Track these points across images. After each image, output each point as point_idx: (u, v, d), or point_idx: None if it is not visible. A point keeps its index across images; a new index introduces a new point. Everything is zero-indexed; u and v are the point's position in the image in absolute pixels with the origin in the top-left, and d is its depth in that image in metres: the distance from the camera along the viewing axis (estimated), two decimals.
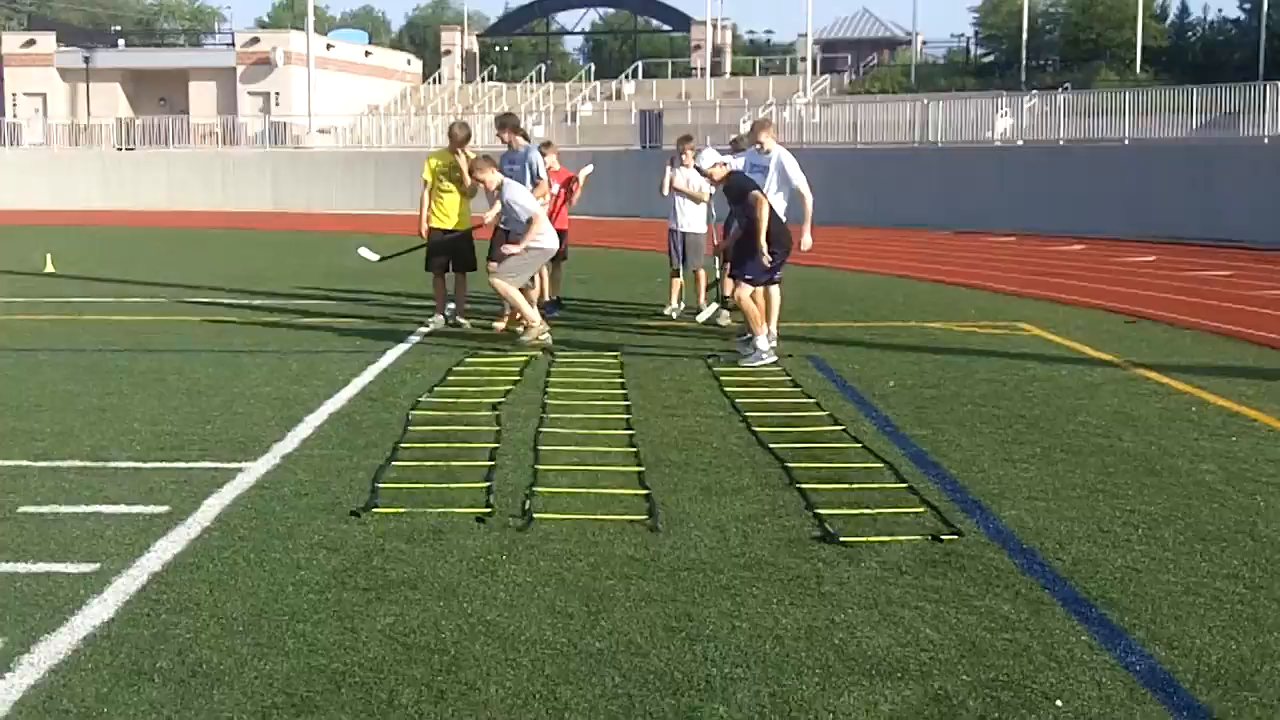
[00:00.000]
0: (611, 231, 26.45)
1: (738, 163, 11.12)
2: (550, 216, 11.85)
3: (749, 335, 10.24)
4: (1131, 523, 5.70)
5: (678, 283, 13.21)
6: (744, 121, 35.04)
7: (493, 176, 10.96)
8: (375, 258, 13.58)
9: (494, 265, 11.02)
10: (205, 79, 55.21)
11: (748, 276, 10.18)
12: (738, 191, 10.32)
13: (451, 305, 12.38)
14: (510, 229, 11.13)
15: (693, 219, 12.85)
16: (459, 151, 12.04)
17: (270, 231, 29.54)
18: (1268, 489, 6.29)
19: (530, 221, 10.74)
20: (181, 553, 5.24)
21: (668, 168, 12.94)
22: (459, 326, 12.13)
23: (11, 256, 20.84)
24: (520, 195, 10.96)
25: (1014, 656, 4.20)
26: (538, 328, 10.80)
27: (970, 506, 5.96)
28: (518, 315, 11.07)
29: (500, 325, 11.94)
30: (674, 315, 13.00)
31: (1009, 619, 4.53)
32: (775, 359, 10.04)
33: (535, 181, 11.91)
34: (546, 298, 13.21)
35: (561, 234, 13.37)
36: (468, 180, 11.66)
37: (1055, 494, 6.19)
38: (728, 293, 11.48)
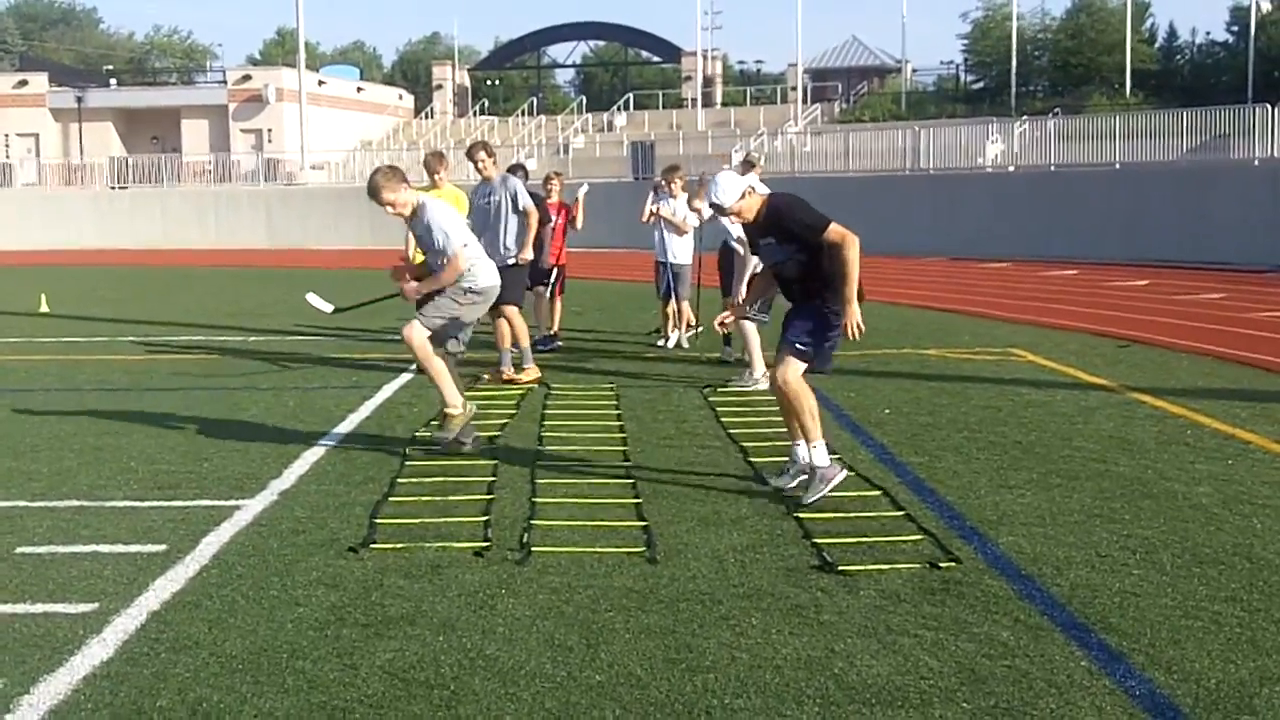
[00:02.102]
0: (605, 263, 26.50)
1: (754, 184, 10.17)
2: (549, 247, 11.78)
3: (804, 461, 6.74)
4: (1128, 547, 5.71)
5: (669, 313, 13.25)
6: (735, 150, 35.21)
7: (404, 196, 7.76)
8: (328, 309, 11.67)
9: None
10: (197, 117, 55.49)
11: (801, 347, 6.61)
12: (798, 224, 6.56)
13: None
14: (431, 263, 8.08)
15: (678, 251, 12.90)
16: (436, 185, 10.75)
17: (265, 268, 29.58)
18: (1264, 511, 6.30)
19: (452, 258, 7.82)
20: (180, 591, 5.24)
21: (650, 195, 13.05)
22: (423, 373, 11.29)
23: (6, 297, 20.87)
24: (443, 218, 7.89)
25: (1014, 683, 4.20)
26: (461, 415, 7.84)
27: (968, 533, 5.97)
28: (447, 411, 7.91)
29: (488, 377, 10.75)
30: (668, 346, 13.04)
31: (1008, 646, 4.53)
32: (847, 473, 6.85)
33: (524, 213, 10.77)
34: (544, 330, 13.21)
35: (560, 268, 13.44)
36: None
37: (1052, 519, 6.20)
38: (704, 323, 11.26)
